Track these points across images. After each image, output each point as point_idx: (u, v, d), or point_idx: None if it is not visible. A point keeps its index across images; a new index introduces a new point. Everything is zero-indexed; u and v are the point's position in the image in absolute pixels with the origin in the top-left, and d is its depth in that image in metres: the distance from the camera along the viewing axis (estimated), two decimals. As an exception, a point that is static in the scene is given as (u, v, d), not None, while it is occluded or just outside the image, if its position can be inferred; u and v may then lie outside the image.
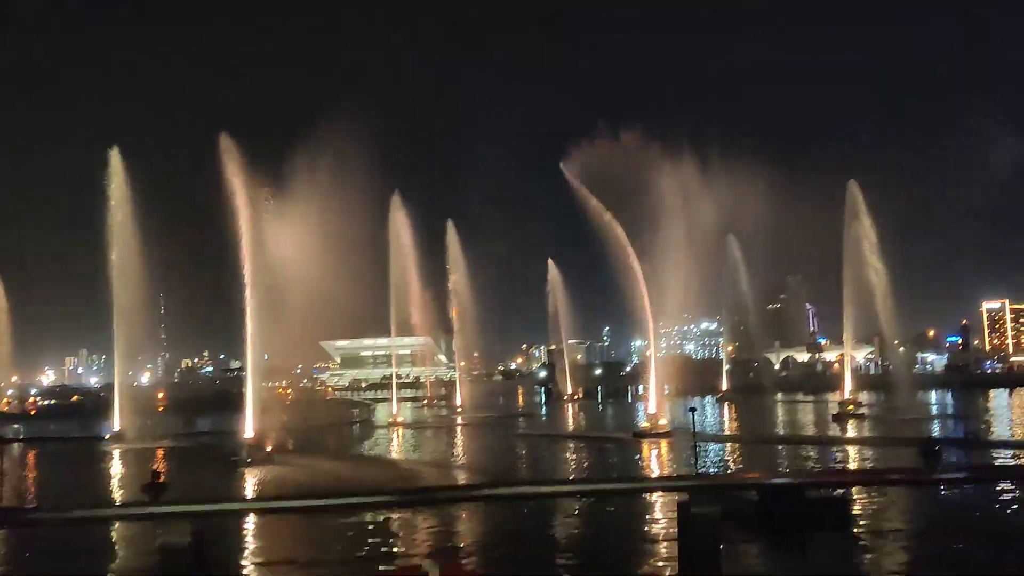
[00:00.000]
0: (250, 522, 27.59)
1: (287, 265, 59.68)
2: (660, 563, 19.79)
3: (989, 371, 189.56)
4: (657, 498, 28.83)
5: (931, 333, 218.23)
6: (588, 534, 25.47)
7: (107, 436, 64.78)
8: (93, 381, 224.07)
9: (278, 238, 59.66)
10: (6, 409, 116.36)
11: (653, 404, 60.39)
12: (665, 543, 21.01)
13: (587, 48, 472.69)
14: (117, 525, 28.34)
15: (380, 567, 20.30)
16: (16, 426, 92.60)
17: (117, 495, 39.19)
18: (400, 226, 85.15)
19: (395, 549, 23.29)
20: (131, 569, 22.04)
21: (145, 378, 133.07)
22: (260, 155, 62.94)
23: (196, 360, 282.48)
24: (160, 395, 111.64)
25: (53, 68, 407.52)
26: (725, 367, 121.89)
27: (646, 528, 25.72)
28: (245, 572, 20.91)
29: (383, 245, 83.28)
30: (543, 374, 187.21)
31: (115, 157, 67.05)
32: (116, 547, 25.89)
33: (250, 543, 25.69)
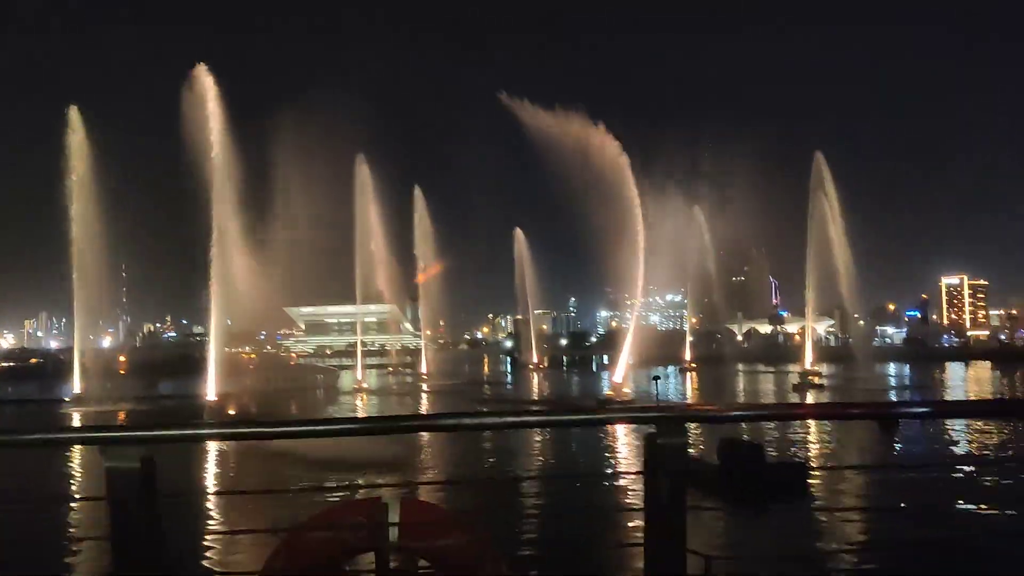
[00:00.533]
0: (206, 450, 27.66)
1: (253, 232, 59.04)
2: (625, 490, 20.49)
3: (947, 345, 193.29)
4: (621, 429, 29.63)
5: (891, 307, 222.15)
6: (552, 462, 26.26)
7: (67, 399, 64.07)
8: (53, 344, 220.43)
9: (245, 207, 59.15)
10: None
11: (620, 373, 60.92)
12: (630, 472, 21.74)
13: (587, 48, 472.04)
14: (71, 450, 28.15)
15: (338, 497, 20.42)
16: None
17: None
18: (366, 193, 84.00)
19: (356, 480, 23.44)
20: (82, 491, 22.10)
21: (106, 342, 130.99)
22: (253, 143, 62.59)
23: (159, 325, 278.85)
24: (121, 358, 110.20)
25: (53, 68, 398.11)
26: (688, 338, 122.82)
27: (610, 458, 26.65)
28: (197, 499, 20.92)
29: (350, 213, 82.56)
30: (509, 343, 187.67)
31: (74, 116, 65.23)
32: (68, 470, 26.32)
33: (203, 471, 25.82)
